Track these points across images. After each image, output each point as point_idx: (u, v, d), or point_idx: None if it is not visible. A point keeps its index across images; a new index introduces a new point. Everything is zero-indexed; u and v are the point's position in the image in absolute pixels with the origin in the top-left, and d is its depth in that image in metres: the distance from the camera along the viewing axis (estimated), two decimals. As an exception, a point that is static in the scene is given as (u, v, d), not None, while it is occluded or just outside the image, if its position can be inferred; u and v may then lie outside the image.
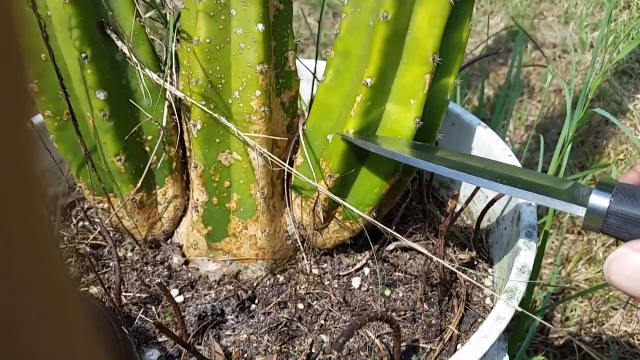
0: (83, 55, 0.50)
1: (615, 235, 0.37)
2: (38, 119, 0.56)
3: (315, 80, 0.62)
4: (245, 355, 0.52)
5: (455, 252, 0.62)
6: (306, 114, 0.71)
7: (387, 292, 0.58)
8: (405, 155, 0.47)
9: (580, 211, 0.39)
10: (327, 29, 1.50)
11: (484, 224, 0.64)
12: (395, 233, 0.50)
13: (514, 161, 0.61)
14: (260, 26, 0.50)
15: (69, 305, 0.16)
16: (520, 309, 0.44)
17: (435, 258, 0.50)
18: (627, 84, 1.30)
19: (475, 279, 0.59)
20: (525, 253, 0.49)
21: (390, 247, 0.62)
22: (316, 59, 0.65)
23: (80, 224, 0.65)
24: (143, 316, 0.54)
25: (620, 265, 0.33)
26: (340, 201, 0.52)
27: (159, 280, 0.57)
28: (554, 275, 0.81)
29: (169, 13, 0.55)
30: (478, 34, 1.51)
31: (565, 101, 1.31)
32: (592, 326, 0.91)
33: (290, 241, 0.60)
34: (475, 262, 0.61)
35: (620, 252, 0.33)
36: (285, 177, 0.59)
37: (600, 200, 0.38)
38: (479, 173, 0.44)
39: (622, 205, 0.37)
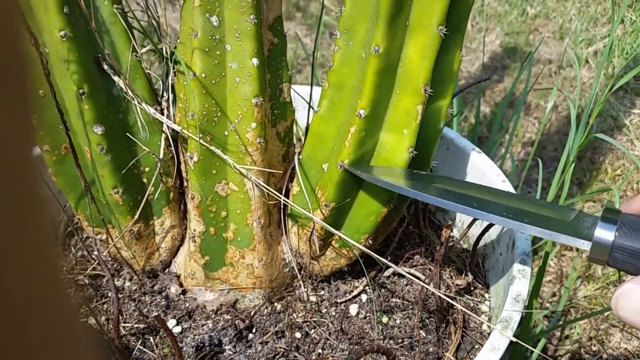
0: (80, 91, 0.51)
1: (621, 268, 0.37)
2: (35, 152, 0.57)
3: (311, 108, 0.63)
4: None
5: (451, 277, 0.63)
6: (303, 139, 0.71)
7: (385, 319, 0.58)
8: (410, 189, 0.47)
9: (586, 245, 0.39)
10: (323, 50, 1.52)
11: (480, 248, 0.64)
12: (389, 263, 0.50)
13: (507, 187, 0.61)
14: (255, 60, 0.51)
15: (76, 329, 0.16)
16: (515, 340, 0.44)
17: (431, 288, 0.50)
18: (623, 99, 1.31)
19: (472, 304, 0.60)
20: (519, 282, 0.49)
21: (387, 272, 0.63)
22: (312, 85, 0.66)
23: (79, 253, 0.66)
24: (141, 347, 0.54)
25: (628, 301, 0.33)
26: (335, 232, 0.53)
27: (157, 312, 0.57)
28: (563, 299, 0.81)
29: (165, 47, 0.56)
30: (474, 52, 1.52)
31: (561, 118, 1.32)
32: (592, 344, 0.91)
33: (288, 269, 0.60)
34: (472, 288, 0.62)
35: (628, 288, 0.33)
36: (282, 206, 0.59)
37: (605, 234, 0.38)
38: (486, 208, 0.44)
39: (627, 239, 0.37)
